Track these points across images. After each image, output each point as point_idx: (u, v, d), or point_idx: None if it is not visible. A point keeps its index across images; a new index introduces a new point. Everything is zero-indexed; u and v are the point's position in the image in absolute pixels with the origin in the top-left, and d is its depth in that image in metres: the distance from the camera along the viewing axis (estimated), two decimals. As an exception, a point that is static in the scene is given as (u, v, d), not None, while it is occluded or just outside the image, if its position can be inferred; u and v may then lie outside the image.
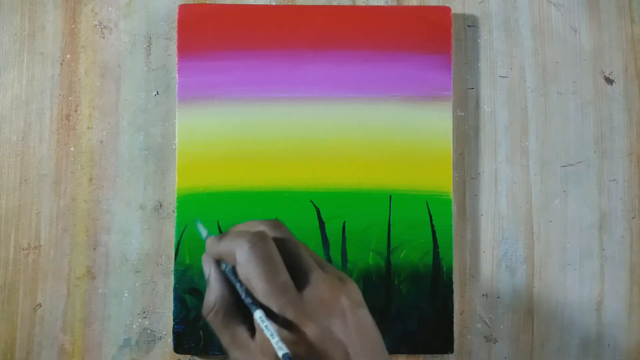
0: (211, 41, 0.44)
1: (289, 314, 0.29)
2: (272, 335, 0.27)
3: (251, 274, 0.30)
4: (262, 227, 0.32)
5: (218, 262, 0.33)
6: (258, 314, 0.29)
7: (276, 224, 0.33)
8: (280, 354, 0.27)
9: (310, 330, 0.29)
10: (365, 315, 0.31)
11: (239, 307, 0.31)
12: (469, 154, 0.45)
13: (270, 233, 0.32)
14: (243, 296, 0.30)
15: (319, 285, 0.30)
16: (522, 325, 0.44)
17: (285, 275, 0.30)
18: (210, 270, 0.32)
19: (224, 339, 0.30)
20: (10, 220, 0.44)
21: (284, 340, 0.28)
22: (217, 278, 0.32)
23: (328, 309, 0.30)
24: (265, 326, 0.28)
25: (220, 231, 0.43)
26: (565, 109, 0.46)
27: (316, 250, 0.43)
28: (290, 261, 0.31)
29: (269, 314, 0.29)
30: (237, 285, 0.31)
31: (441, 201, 0.43)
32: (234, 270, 0.31)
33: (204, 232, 0.38)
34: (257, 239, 0.30)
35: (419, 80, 0.44)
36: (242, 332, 0.30)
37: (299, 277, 0.31)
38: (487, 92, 0.46)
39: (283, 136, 0.43)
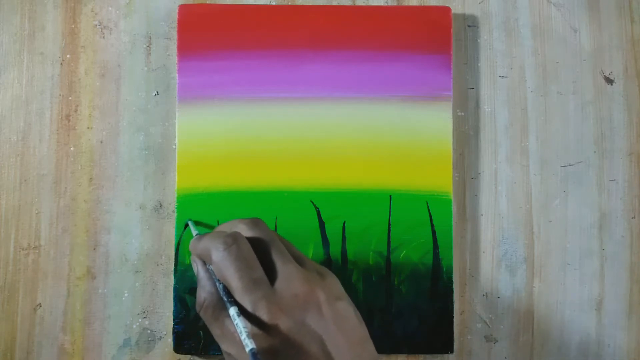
0: (211, 41, 0.44)
1: (262, 308, 0.30)
2: (240, 332, 0.29)
3: (226, 273, 0.31)
4: (240, 226, 0.34)
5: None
6: (232, 311, 0.30)
7: (255, 222, 0.35)
8: (247, 350, 0.28)
9: (284, 324, 0.30)
10: (344, 308, 0.32)
11: None
12: (469, 154, 0.45)
13: (248, 232, 0.34)
14: (221, 294, 0.32)
15: (293, 279, 0.31)
16: (522, 325, 0.44)
17: (258, 272, 0.31)
18: (198, 269, 0.34)
19: (215, 332, 0.32)
20: (10, 220, 0.44)
21: (257, 334, 0.29)
22: (205, 276, 0.33)
23: (303, 302, 0.31)
24: (236, 323, 0.29)
25: (220, 231, 0.43)
26: (565, 109, 0.46)
27: (316, 250, 0.43)
28: (266, 258, 0.32)
29: (244, 310, 0.30)
30: (217, 284, 0.32)
31: (441, 201, 0.43)
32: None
33: (194, 232, 0.40)
34: (231, 239, 0.32)
35: (419, 80, 0.44)
36: (230, 325, 0.31)
37: (274, 273, 0.32)
38: (487, 92, 0.46)
39: (283, 136, 0.43)
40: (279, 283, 0.31)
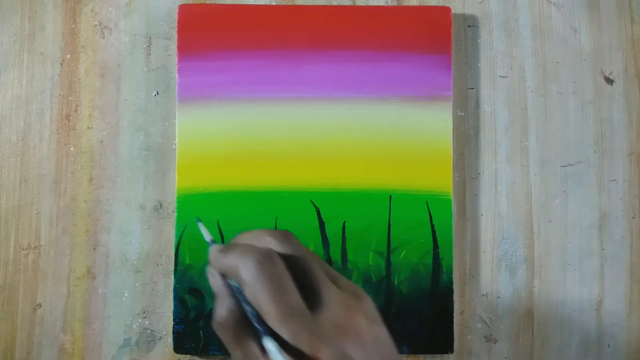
0: (211, 41, 0.44)
1: (302, 340, 0.28)
2: None
3: (259, 296, 0.28)
4: (269, 240, 0.31)
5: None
6: (269, 345, 0.27)
7: (284, 235, 0.31)
8: None
9: (324, 355, 0.28)
10: (381, 332, 0.30)
11: (250, 321, 0.29)
12: (469, 154, 0.45)
13: (278, 247, 0.31)
14: (252, 320, 0.29)
15: (334, 305, 0.29)
16: (522, 325, 0.44)
17: (295, 297, 0.29)
18: (216, 283, 0.31)
19: (235, 353, 0.29)
20: (10, 220, 0.44)
21: None
22: (225, 292, 0.31)
23: (344, 330, 0.29)
24: (273, 358, 0.27)
25: (220, 232, 0.43)
26: (565, 109, 0.46)
27: (316, 251, 0.43)
28: (301, 278, 0.30)
29: (280, 339, 0.28)
30: (245, 307, 0.29)
31: (441, 201, 0.43)
32: (241, 289, 0.30)
33: (206, 234, 0.36)
34: (264, 258, 0.29)
35: (419, 80, 0.44)
36: (253, 347, 0.28)
37: (311, 296, 0.29)
38: (487, 92, 0.46)
39: (283, 136, 0.43)
40: (318, 310, 0.29)
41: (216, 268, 0.31)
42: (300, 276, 0.30)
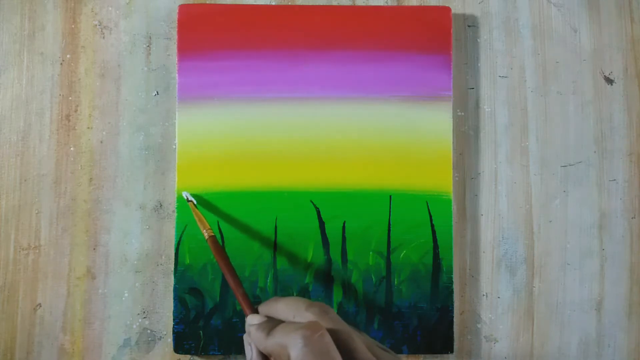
0: (211, 41, 0.44)
1: None
2: None
3: None
4: (307, 315, 0.30)
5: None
6: None
7: (325, 309, 0.30)
8: None
9: None
10: None
11: None
12: (469, 154, 0.45)
13: (321, 322, 0.30)
14: None
15: None
16: (522, 325, 0.44)
17: None
18: (252, 355, 0.31)
19: None
20: (10, 220, 0.44)
21: None
22: None
23: None
24: None
25: (220, 232, 0.42)
26: (565, 109, 0.46)
27: (316, 251, 0.43)
28: (346, 354, 0.29)
29: None
30: None
31: (441, 201, 0.43)
32: None
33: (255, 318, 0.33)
34: (311, 332, 0.28)
35: (419, 80, 0.44)
36: None
37: None
38: (487, 92, 0.46)
39: (283, 136, 0.43)
40: None
41: (261, 348, 0.30)
42: (344, 352, 0.29)
